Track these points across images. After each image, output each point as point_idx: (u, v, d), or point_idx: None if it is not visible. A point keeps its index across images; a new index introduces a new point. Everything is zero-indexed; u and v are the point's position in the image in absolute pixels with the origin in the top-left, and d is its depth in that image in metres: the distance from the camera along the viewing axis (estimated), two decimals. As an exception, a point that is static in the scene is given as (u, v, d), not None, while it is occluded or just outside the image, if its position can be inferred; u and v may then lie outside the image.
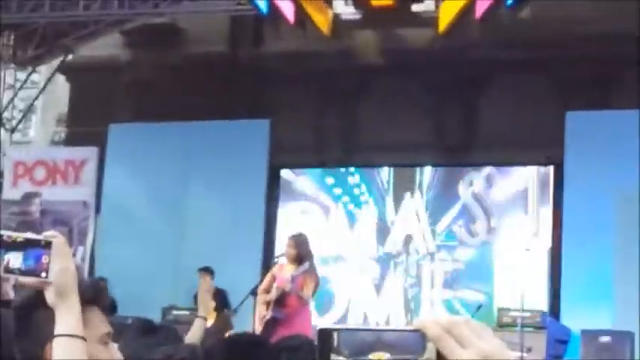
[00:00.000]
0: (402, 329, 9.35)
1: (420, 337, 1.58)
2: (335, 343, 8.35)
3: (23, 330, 2.48)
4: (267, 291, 9.49)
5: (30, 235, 2.45)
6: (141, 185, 14.29)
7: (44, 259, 2.40)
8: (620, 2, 12.92)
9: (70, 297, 2.40)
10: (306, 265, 9.40)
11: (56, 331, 2.38)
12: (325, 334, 7.05)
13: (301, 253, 9.50)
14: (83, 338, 2.39)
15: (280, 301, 9.35)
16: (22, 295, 2.58)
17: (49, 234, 2.45)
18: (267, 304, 9.44)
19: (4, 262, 2.40)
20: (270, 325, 9.30)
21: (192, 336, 5.67)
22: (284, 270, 9.55)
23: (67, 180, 14.51)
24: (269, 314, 9.37)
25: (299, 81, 15.05)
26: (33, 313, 2.47)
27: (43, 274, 2.39)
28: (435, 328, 1.52)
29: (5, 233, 2.43)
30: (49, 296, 2.40)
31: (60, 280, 2.39)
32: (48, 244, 2.41)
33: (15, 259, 2.41)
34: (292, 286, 9.29)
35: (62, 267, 2.40)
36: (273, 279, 9.54)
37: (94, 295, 2.58)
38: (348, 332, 8.23)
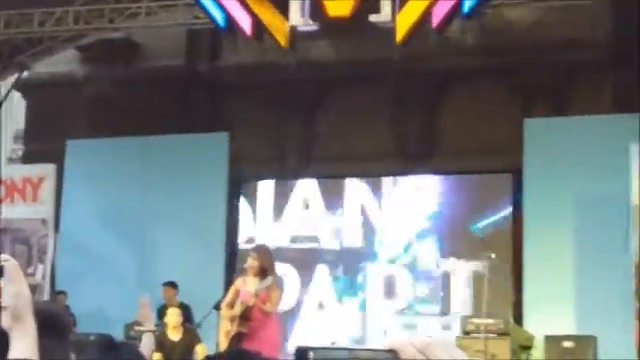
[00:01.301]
0: (375, 349, 9.34)
1: (393, 356, 1.60)
2: None
3: None
4: (231, 305, 9.41)
5: None
6: (100, 201, 14.20)
7: None
8: (578, 8, 13.03)
9: (25, 320, 2.36)
10: (269, 279, 9.34)
11: (10, 355, 2.34)
12: (302, 353, 7.07)
13: (264, 266, 9.44)
14: None
15: (245, 315, 9.29)
16: None
17: (0, 258, 2.41)
18: (232, 318, 9.38)
19: None
20: (236, 339, 9.24)
21: (143, 348, 5.67)
22: (247, 283, 9.48)
23: (25, 198, 14.36)
24: (234, 329, 9.31)
25: (257, 93, 15.05)
26: None
27: None
28: (409, 349, 1.54)
29: None
30: (4, 320, 2.37)
31: (14, 303, 2.35)
32: (0, 269, 2.37)
33: None
34: (256, 300, 9.23)
35: (16, 290, 2.37)
36: (237, 293, 9.47)
37: (52, 322, 2.55)
38: (324, 351, 8.21)
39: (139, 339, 11.94)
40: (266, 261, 9.51)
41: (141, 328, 5.73)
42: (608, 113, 13.02)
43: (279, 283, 9.64)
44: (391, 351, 1.59)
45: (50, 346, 2.69)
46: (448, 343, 1.58)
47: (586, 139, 12.54)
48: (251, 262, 9.48)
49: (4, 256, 2.44)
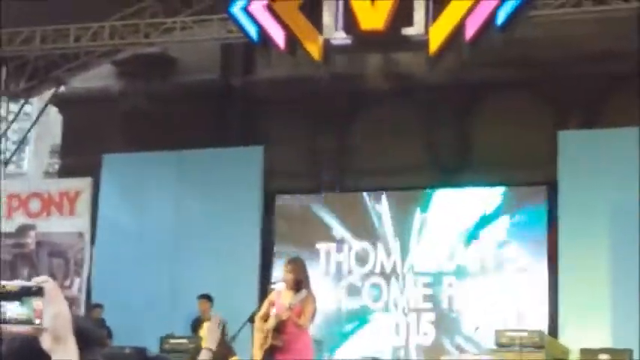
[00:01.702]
0: None
1: None
2: None
3: None
4: (265, 318, 9.41)
5: (21, 282, 2.45)
6: (136, 214, 14.29)
7: (37, 306, 2.40)
8: (611, 22, 12.98)
9: (67, 341, 2.39)
10: (304, 292, 9.32)
11: None
12: None
13: (299, 278, 9.43)
14: None
15: (279, 328, 9.30)
16: (12, 344, 2.56)
17: (39, 279, 2.44)
18: (266, 332, 9.38)
19: (2, 313, 2.40)
20: (270, 352, 9.25)
21: None
22: (282, 296, 9.47)
23: (62, 211, 14.48)
24: (268, 342, 9.32)
25: (291, 107, 15.10)
26: None
27: (37, 321, 2.39)
28: None
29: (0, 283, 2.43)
30: (45, 342, 2.39)
31: (54, 324, 2.38)
32: (40, 290, 2.40)
33: (11, 309, 2.41)
34: (290, 314, 9.23)
35: (55, 312, 2.40)
36: (271, 305, 9.47)
37: (90, 339, 2.58)
38: None
39: (174, 350, 12.03)
40: (300, 274, 9.50)
41: (208, 346, 5.74)
42: (641, 125, 12.95)
43: (313, 297, 9.62)
44: None
45: None
46: None
47: (619, 151, 12.49)
48: (285, 275, 9.48)
49: (43, 277, 2.47)
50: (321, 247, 14.22)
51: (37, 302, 2.38)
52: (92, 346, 2.63)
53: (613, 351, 11.24)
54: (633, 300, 11.81)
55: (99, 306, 13.48)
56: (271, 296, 9.59)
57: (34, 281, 2.42)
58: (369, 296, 14.01)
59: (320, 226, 14.32)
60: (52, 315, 2.39)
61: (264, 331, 9.36)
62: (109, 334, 12.78)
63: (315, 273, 13.49)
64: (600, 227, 12.39)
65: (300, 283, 9.40)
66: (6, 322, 2.40)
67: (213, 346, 5.67)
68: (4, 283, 2.42)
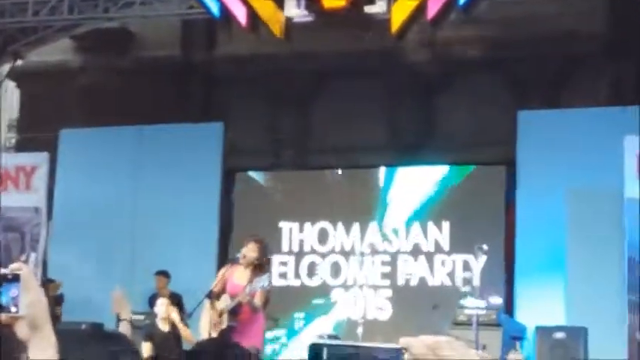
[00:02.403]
0: (387, 347, 9.36)
1: (398, 353, 1.68)
2: (325, 356, 8.37)
3: None
4: (218, 295, 9.27)
5: None
6: (93, 190, 14.17)
7: (12, 293, 2.34)
8: (573, 1, 13.03)
9: (43, 328, 2.34)
10: (265, 279, 9.14)
11: None
12: (317, 349, 7.11)
13: (260, 260, 9.30)
14: None
15: (235, 310, 9.23)
16: None
17: (14, 267, 2.39)
18: (220, 312, 9.28)
19: None
20: (226, 332, 9.17)
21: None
22: (236, 274, 9.33)
23: (19, 186, 14.34)
24: (225, 322, 9.24)
25: (252, 84, 15.05)
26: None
27: (13, 309, 2.34)
28: (420, 347, 1.62)
29: None
30: (20, 330, 2.34)
31: (32, 312, 2.33)
32: (15, 277, 2.35)
33: None
34: (250, 298, 9.12)
35: (32, 299, 2.34)
36: (224, 282, 9.33)
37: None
38: (337, 347, 8.24)
39: (131, 326, 11.95)
40: (263, 255, 9.36)
41: (123, 318, 5.73)
42: (603, 106, 13.02)
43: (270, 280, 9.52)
44: (403, 349, 1.64)
45: None
46: (461, 344, 1.66)
47: (581, 132, 12.53)
48: (247, 252, 9.28)
49: (17, 264, 2.41)
50: (284, 225, 14.22)
51: (13, 290, 2.33)
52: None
53: (568, 329, 11.32)
54: (589, 279, 11.90)
55: (52, 281, 13.33)
56: (223, 271, 9.48)
57: (10, 269, 2.36)
58: (328, 274, 14.05)
59: (280, 204, 14.30)
60: (28, 303, 2.33)
61: (217, 310, 9.27)
62: (59, 302, 12.73)
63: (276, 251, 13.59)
64: (558, 207, 12.45)
65: (262, 265, 9.28)
66: None
67: (127, 316, 5.69)
68: None
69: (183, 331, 10.73)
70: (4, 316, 2.34)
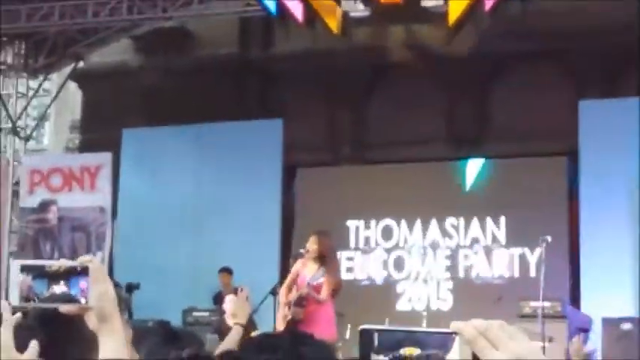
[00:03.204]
0: (438, 331, 9.36)
1: (448, 337, 1.67)
2: (375, 342, 8.42)
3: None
4: (289, 289, 9.44)
5: (66, 262, 2.45)
6: (156, 188, 14.32)
7: (82, 285, 2.40)
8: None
9: (112, 320, 2.39)
10: (321, 271, 9.31)
11: (101, 356, 2.36)
12: (367, 335, 7.13)
13: (322, 252, 9.42)
14: None
15: (299, 302, 9.33)
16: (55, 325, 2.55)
17: (84, 259, 2.44)
18: (287, 304, 9.43)
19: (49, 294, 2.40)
20: (292, 325, 9.28)
21: (229, 343, 5.59)
22: (306, 267, 9.49)
23: (83, 186, 14.53)
24: (289, 315, 9.37)
25: (310, 80, 15.08)
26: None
27: (83, 300, 2.39)
28: (471, 331, 1.60)
29: (46, 263, 2.43)
30: (91, 321, 2.39)
31: (100, 304, 2.38)
32: (85, 270, 2.40)
33: (59, 289, 2.41)
34: (309, 290, 9.24)
35: (101, 291, 2.39)
36: (296, 276, 9.49)
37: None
38: (388, 332, 8.27)
39: (197, 323, 12.06)
40: (326, 246, 9.49)
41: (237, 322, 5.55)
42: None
43: (335, 271, 9.60)
44: (454, 333, 1.63)
45: None
46: (512, 328, 1.63)
47: (641, 120, 12.40)
48: (310, 246, 9.48)
49: (87, 257, 2.47)
50: (351, 223, 14.31)
51: (82, 282, 2.39)
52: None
53: (635, 320, 11.22)
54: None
55: (117, 285, 13.48)
56: (296, 266, 9.61)
57: (79, 261, 2.42)
58: (393, 268, 14.11)
59: (341, 200, 14.34)
60: (97, 294, 2.38)
61: (286, 304, 9.41)
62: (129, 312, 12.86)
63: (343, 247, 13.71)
64: (621, 197, 12.34)
65: (323, 257, 9.40)
66: (52, 302, 2.41)
67: (244, 321, 5.56)
68: (49, 263, 2.42)
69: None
70: (74, 307, 2.39)
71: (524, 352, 1.58)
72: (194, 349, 3.98)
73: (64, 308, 2.40)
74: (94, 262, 2.44)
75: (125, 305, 12.40)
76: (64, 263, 2.43)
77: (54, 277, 2.40)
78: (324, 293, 9.32)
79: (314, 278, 9.29)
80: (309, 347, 2.56)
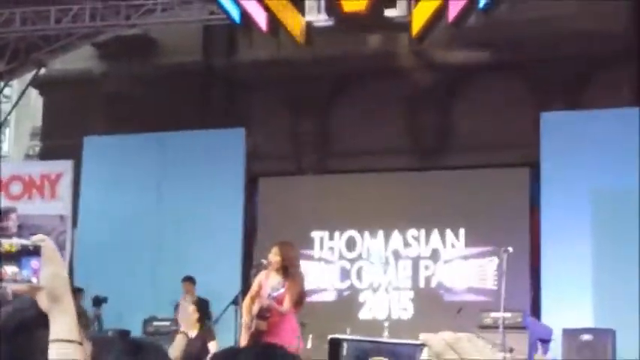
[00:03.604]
0: (407, 342, 9.38)
1: (416, 348, 1.69)
2: (344, 352, 8.44)
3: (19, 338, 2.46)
4: (253, 300, 9.38)
5: (19, 240, 2.42)
6: (117, 197, 14.23)
7: (34, 265, 2.37)
8: (594, 2, 13.01)
9: (63, 301, 2.37)
10: (283, 282, 9.28)
11: (52, 337, 2.35)
12: (335, 344, 7.18)
13: (285, 262, 9.38)
14: (79, 342, 2.37)
15: (261, 314, 9.29)
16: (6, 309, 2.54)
17: (37, 238, 2.41)
18: (251, 316, 9.38)
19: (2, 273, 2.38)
20: (256, 336, 9.24)
21: (174, 351, 5.59)
22: (269, 278, 9.45)
23: (43, 194, 14.43)
24: (253, 326, 9.32)
25: (274, 89, 15.09)
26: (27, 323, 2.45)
27: (34, 280, 2.37)
28: (440, 343, 1.62)
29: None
30: (42, 301, 2.37)
31: (51, 284, 2.36)
32: (37, 249, 2.38)
33: (10, 268, 2.38)
34: (270, 302, 9.21)
35: (53, 271, 2.37)
36: (259, 287, 9.44)
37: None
38: (356, 342, 8.31)
39: (157, 333, 11.99)
40: (288, 257, 9.45)
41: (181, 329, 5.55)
42: (626, 106, 12.98)
43: (298, 281, 9.58)
44: (423, 345, 1.66)
45: None
46: (480, 341, 1.66)
47: (603, 132, 12.50)
48: (272, 257, 9.44)
49: (39, 236, 2.44)
50: (315, 234, 14.32)
51: (34, 262, 2.36)
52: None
53: (596, 331, 11.30)
54: (615, 280, 11.87)
55: (79, 290, 13.40)
56: (260, 277, 9.56)
57: (32, 240, 2.39)
58: (356, 277, 14.15)
59: (304, 211, 14.34)
60: (48, 274, 2.36)
61: (249, 316, 9.36)
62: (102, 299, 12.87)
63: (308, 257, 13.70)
64: (582, 208, 12.43)
65: (286, 267, 9.36)
66: (2, 281, 2.38)
67: (187, 330, 5.55)
68: (3, 241, 2.39)
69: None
70: (25, 287, 2.37)
71: None
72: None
73: (14, 287, 2.38)
74: (47, 241, 2.41)
75: (89, 320, 12.36)
76: (17, 242, 2.40)
77: (6, 256, 2.37)
78: (287, 304, 9.28)
79: (275, 289, 9.25)
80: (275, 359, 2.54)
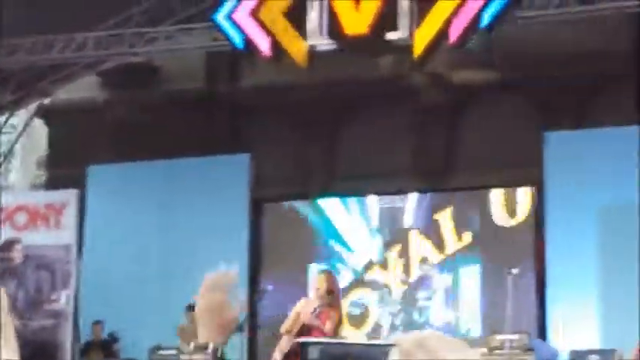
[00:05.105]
0: (377, 343, 9.32)
1: (387, 349, 1.69)
2: (316, 355, 8.34)
3: None
4: (290, 331, 9.13)
5: None
6: (123, 226, 14.22)
7: None
8: (596, 21, 12.98)
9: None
10: (329, 298, 9.11)
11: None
12: (306, 348, 7.16)
13: (331, 288, 9.23)
14: None
15: (302, 334, 9.07)
16: None
17: None
18: (290, 338, 9.13)
19: None
20: (292, 356, 9.01)
21: None
22: (309, 304, 9.27)
23: (49, 224, 14.41)
24: (288, 346, 9.06)
25: (278, 114, 15.09)
26: None
27: None
28: (409, 342, 1.63)
29: None
30: None
31: None
32: None
33: None
34: (314, 319, 9.03)
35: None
36: (298, 316, 9.20)
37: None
38: (328, 345, 8.26)
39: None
40: (333, 284, 9.35)
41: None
42: (629, 125, 12.92)
43: (339, 306, 9.49)
44: (393, 344, 1.67)
45: None
46: (451, 339, 1.67)
47: (607, 152, 12.46)
48: (318, 283, 9.28)
49: None
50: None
51: None
52: None
53: (602, 352, 11.22)
54: (622, 301, 11.79)
55: (98, 322, 13.42)
56: (298, 306, 9.32)
57: None
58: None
59: (310, 234, 14.30)
60: None
61: (287, 337, 9.06)
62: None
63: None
64: (588, 228, 12.38)
65: (331, 293, 9.21)
66: None
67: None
68: None
69: None
70: None
71: None
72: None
73: None
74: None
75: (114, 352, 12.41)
76: None
77: None
78: (330, 325, 9.10)
79: (319, 307, 9.07)
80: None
